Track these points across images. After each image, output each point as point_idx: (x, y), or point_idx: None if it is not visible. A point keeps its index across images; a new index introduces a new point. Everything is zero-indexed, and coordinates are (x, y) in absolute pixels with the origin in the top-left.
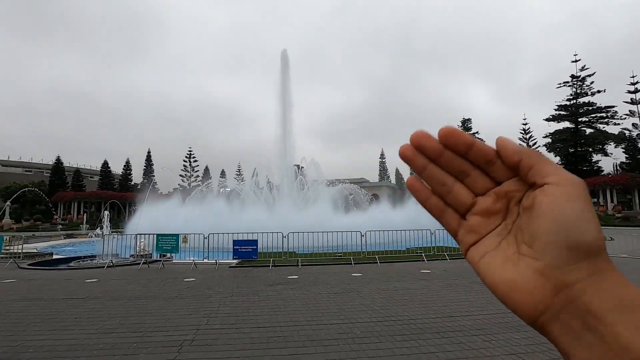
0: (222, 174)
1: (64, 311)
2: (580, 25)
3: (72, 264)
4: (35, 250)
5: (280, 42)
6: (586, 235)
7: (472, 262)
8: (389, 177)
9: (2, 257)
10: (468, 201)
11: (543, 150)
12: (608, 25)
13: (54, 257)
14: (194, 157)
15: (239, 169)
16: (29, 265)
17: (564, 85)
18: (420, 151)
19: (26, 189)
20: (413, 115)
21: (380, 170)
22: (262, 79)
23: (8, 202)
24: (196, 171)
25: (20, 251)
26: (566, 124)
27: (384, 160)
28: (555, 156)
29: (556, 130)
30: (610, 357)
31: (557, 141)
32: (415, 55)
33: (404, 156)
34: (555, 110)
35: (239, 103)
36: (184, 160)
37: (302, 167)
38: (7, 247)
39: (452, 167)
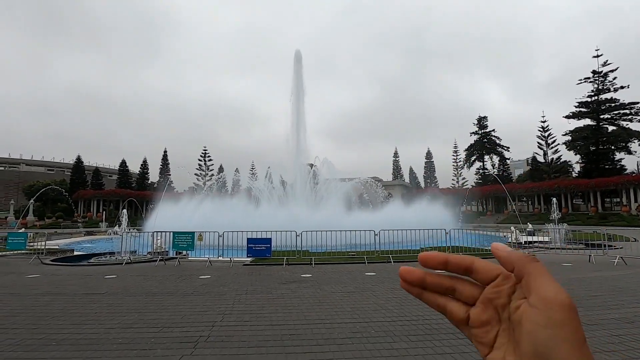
0: (236, 172)
1: (84, 306)
2: (597, 20)
3: (92, 260)
4: (57, 247)
5: (291, 43)
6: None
7: None
8: (402, 176)
9: (26, 253)
10: (463, 316)
11: (563, 148)
12: (626, 20)
13: (75, 253)
14: (208, 156)
15: (253, 168)
16: (52, 261)
17: (585, 82)
18: (409, 284)
19: (49, 187)
20: (426, 113)
21: (393, 169)
22: (274, 78)
23: (32, 200)
24: (211, 170)
25: (43, 247)
26: (587, 121)
27: (397, 158)
28: (576, 154)
29: (577, 128)
30: None
31: (577, 139)
32: (426, 54)
33: (403, 288)
34: (576, 107)
35: (251, 103)
36: (199, 159)
37: (314, 166)
38: (31, 244)
39: (438, 287)
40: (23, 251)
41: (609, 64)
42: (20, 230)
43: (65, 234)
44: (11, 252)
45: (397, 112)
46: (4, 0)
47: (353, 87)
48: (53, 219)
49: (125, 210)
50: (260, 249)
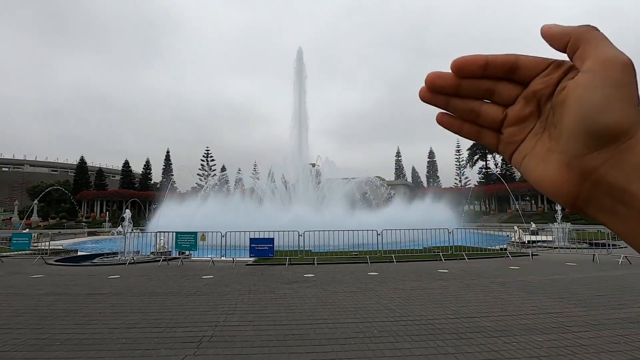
0: (239, 172)
1: (88, 306)
2: (597, 20)
3: (95, 260)
4: (61, 247)
5: (293, 42)
6: (607, 119)
7: (515, 166)
8: (405, 175)
9: (31, 254)
10: (498, 117)
11: None
12: (627, 20)
13: (79, 253)
14: (211, 156)
15: (255, 168)
16: (55, 261)
17: None
18: (438, 91)
19: (52, 187)
20: (429, 112)
21: (396, 168)
22: (276, 78)
23: (36, 201)
24: (213, 170)
25: (47, 248)
26: None
27: (400, 158)
28: None
29: None
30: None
31: None
32: (428, 53)
33: (423, 99)
34: None
35: (253, 103)
36: (202, 160)
37: (316, 165)
38: (35, 244)
39: (474, 91)
40: (27, 251)
41: None
42: (25, 231)
43: (69, 234)
44: (15, 253)
45: (400, 112)
46: (8, 3)
47: (355, 87)
48: (57, 219)
49: (128, 211)
50: (262, 249)
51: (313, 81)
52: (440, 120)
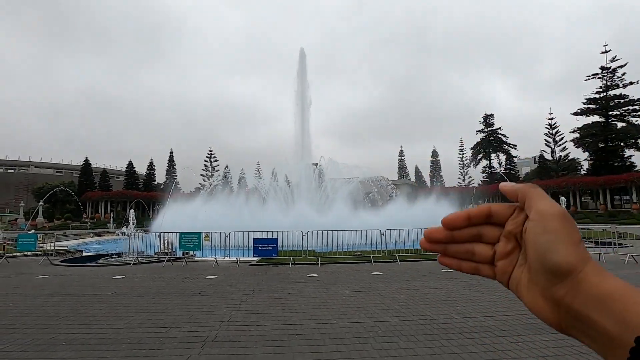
0: (242, 173)
1: (93, 306)
2: (606, 16)
3: (100, 261)
4: (66, 248)
5: (296, 43)
6: (554, 259)
7: (513, 292)
8: (408, 175)
9: (36, 254)
10: (489, 254)
11: (571, 145)
12: (636, 15)
13: (84, 254)
14: (214, 157)
15: (258, 168)
16: (61, 262)
17: (593, 78)
18: (435, 242)
19: (57, 189)
20: (432, 112)
21: (399, 168)
22: (279, 78)
23: (41, 202)
24: (216, 170)
25: (52, 248)
26: (596, 118)
27: (403, 157)
28: (584, 152)
29: (585, 125)
30: (609, 346)
31: (586, 136)
32: (432, 52)
33: (424, 248)
34: (584, 103)
35: (256, 103)
36: (205, 160)
37: (319, 166)
38: (41, 245)
39: (466, 237)
40: (33, 252)
41: (617, 60)
42: (30, 232)
43: (74, 235)
44: (21, 253)
45: (403, 111)
46: (14, 7)
47: (358, 86)
48: (62, 220)
49: (132, 211)
50: (266, 249)
51: (316, 81)
52: (441, 262)
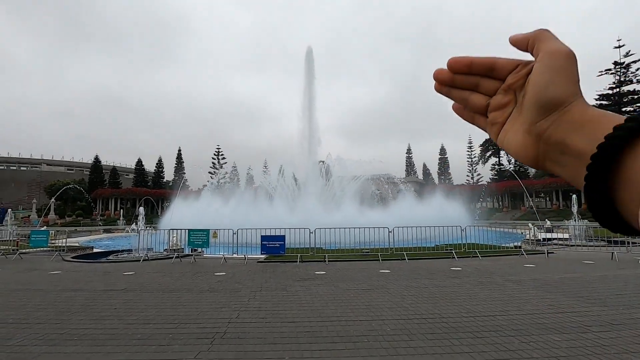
0: (249, 170)
1: (104, 302)
2: (619, 10)
3: (110, 257)
4: (77, 244)
5: (302, 40)
6: (550, 93)
7: (499, 144)
8: (415, 172)
9: (49, 250)
10: (483, 103)
11: None
12: None
13: (94, 250)
14: (222, 155)
15: (265, 166)
16: (72, 258)
17: (606, 73)
18: (440, 83)
19: (68, 186)
20: (439, 108)
21: (406, 165)
22: (285, 76)
23: (53, 199)
24: (224, 168)
25: (64, 245)
26: None
27: (410, 155)
28: None
29: None
30: (577, 166)
31: None
32: (438, 47)
33: (435, 89)
34: (596, 99)
35: (263, 101)
36: (213, 158)
37: (326, 163)
38: (53, 241)
39: (465, 84)
40: (45, 248)
41: (631, 55)
42: (43, 228)
43: (84, 231)
44: (34, 249)
45: (410, 108)
46: (28, 8)
47: (365, 84)
48: (73, 217)
49: (142, 209)
50: (274, 246)
51: (322, 78)
52: (454, 109)
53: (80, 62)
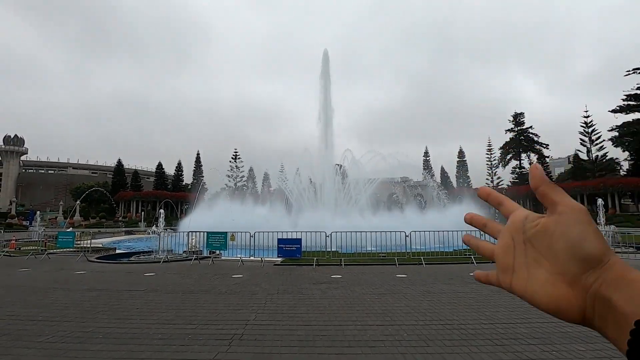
0: (266, 176)
1: (127, 301)
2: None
3: (132, 258)
4: (101, 245)
5: (318, 43)
6: (588, 248)
7: (519, 294)
8: (433, 175)
9: (74, 251)
10: (492, 249)
11: (608, 144)
12: None
13: (117, 251)
14: (239, 158)
15: (282, 169)
16: (97, 258)
17: (634, 73)
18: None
19: (93, 189)
20: (457, 111)
21: (424, 168)
22: (302, 79)
23: (78, 201)
24: (242, 171)
25: (88, 246)
26: (636, 116)
27: (428, 158)
28: (624, 151)
29: (624, 123)
30: (622, 325)
31: (625, 134)
32: (456, 48)
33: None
34: (623, 100)
35: (280, 103)
36: (230, 161)
37: (342, 166)
38: (78, 242)
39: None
40: (71, 249)
41: None
42: (69, 230)
43: (107, 233)
44: (61, 250)
45: (427, 111)
46: (57, 18)
47: (381, 86)
48: (97, 218)
49: (162, 211)
50: (290, 249)
51: (339, 81)
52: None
53: (105, 68)
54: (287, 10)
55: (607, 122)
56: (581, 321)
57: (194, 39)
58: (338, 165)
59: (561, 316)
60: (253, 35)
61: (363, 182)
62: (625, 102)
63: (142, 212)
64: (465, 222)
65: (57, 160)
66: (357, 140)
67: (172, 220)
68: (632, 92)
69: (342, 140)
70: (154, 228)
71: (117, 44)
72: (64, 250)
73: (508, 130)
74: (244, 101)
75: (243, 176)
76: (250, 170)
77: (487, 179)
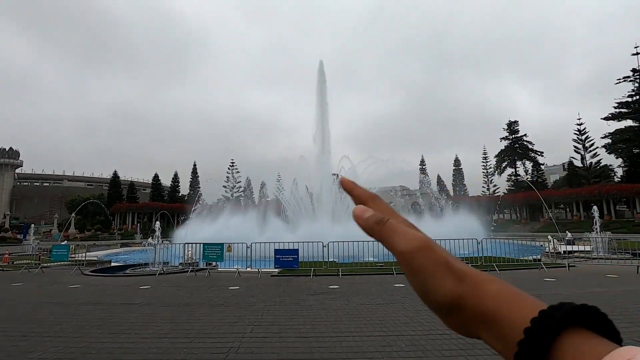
0: (262, 185)
1: (121, 315)
2: (636, 15)
3: (127, 271)
4: (96, 258)
5: (314, 54)
6: (434, 298)
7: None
8: (430, 183)
9: (69, 264)
10: None
11: (602, 151)
12: None
13: (112, 264)
14: (236, 169)
15: (279, 179)
16: (91, 272)
17: (624, 81)
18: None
19: (88, 201)
20: (453, 119)
21: (420, 177)
22: (298, 90)
23: (73, 214)
24: (238, 182)
25: (83, 259)
26: (629, 123)
27: (424, 167)
28: (617, 158)
29: (617, 130)
30: (506, 345)
31: (618, 141)
32: (451, 59)
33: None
34: (615, 107)
35: (276, 114)
36: (227, 172)
37: (338, 175)
38: (72, 255)
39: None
40: (66, 262)
41: None
42: (63, 243)
43: (103, 245)
44: (55, 263)
45: (423, 120)
46: (54, 31)
47: (377, 96)
48: (92, 231)
49: (158, 223)
50: (287, 260)
51: (335, 91)
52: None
53: (102, 80)
54: (284, 21)
55: (600, 130)
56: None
57: (191, 50)
58: (335, 174)
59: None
60: (250, 46)
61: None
62: (617, 110)
63: (138, 224)
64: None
65: (52, 173)
66: (354, 150)
67: (169, 232)
68: (624, 100)
69: (339, 149)
70: (150, 240)
71: (115, 56)
72: (58, 263)
73: (503, 138)
74: (241, 112)
75: (240, 187)
76: (248, 180)
77: (483, 186)
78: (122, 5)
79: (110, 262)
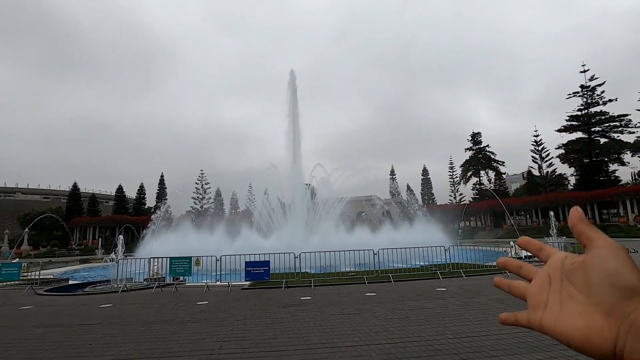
0: (233, 197)
1: (79, 337)
2: (582, 35)
3: (87, 289)
4: (51, 276)
5: (286, 67)
6: (625, 279)
7: (548, 328)
8: (399, 193)
9: (20, 284)
10: (525, 287)
11: (557, 161)
12: (611, 34)
13: (70, 282)
14: (205, 180)
15: (250, 190)
16: (46, 291)
17: (574, 96)
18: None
19: (44, 215)
20: (421, 131)
21: (390, 187)
22: (269, 102)
23: (26, 229)
24: (208, 193)
25: (37, 277)
26: (579, 135)
27: (394, 177)
28: (570, 167)
29: (569, 141)
30: None
31: (571, 152)
32: (417, 74)
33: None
34: (567, 120)
35: (247, 126)
36: (196, 183)
37: (311, 186)
38: (25, 274)
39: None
40: (16, 282)
41: (596, 79)
42: (14, 261)
43: (60, 262)
44: (4, 283)
45: (392, 132)
46: (12, 38)
47: (348, 110)
48: (48, 247)
49: (121, 236)
50: (258, 272)
51: (306, 103)
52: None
53: (62, 90)
54: (255, 33)
55: (555, 141)
56: (611, 356)
57: (158, 61)
58: (307, 184)
59: (591, 350)
60: (220, 57)
61: (332, 201)
62: (569, 122)
63: (100, 239)
64: (499, 266)
65: (3, 185)
66: (325, 160)
67: (133, 247)
68: (574, 114)
69: (311, 160)
70: (112, 255)
71: (78, 66)
72: (9, 283)
73: (467, 148)
74: (211, 123)
75: (210, 198)
76: (217, 192)
77: (450, 195)
78: (86, 15)
79: (67, 280)
